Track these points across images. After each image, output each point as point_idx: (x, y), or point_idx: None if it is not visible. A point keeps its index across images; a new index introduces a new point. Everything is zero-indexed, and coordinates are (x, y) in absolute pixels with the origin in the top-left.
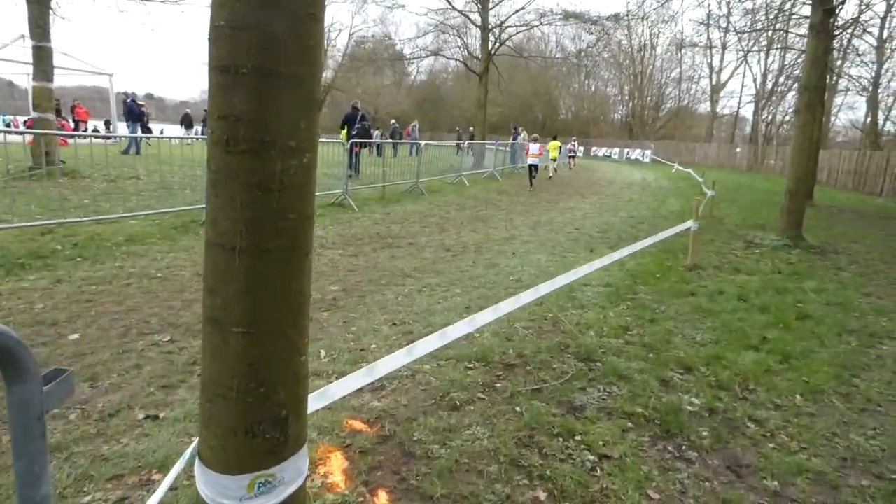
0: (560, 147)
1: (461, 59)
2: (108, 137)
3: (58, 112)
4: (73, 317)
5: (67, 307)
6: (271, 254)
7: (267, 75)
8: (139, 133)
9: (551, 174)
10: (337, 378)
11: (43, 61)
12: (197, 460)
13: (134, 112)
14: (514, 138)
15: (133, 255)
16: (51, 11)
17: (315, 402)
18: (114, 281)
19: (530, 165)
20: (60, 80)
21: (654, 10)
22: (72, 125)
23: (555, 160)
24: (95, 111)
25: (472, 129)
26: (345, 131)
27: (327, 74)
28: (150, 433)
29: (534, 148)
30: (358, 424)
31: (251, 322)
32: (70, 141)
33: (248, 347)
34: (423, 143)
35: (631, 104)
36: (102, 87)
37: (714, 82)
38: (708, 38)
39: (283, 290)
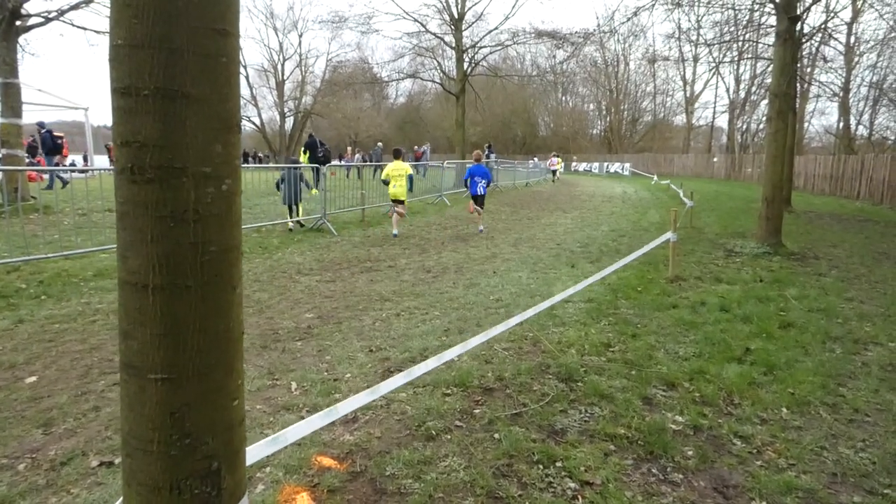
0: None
1: (438, 81)
2: (62, 171)
3: (34, 149)
4: (33, 358)
5: (27, 348)
6: (191, 291)
7: (171, 97)
8: (60, 165)
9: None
10: (308, 412)
11: (11, 98)
12: None
13: (47, 144)
14: (488, 157)
15: (101, 290)
16: (19, 48)
17: (268, 447)
18: (79, 318)
19: (552, 171)
20: (39, 116)
21: (622, 24)
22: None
23: (556, 172)
24: (75, 145)
25: (418, 148)
26: (306, 155)
27: (307, 101)
28: (104, 481)
29: (553, 160)
30: (327, 461)
31: (171, 367)
32: (45, 176)
33: (169, 395)
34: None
35: (608, 119)
36: (81, 122)
37: (688, 94)
38: (679, 51)
39: (208, 330)
